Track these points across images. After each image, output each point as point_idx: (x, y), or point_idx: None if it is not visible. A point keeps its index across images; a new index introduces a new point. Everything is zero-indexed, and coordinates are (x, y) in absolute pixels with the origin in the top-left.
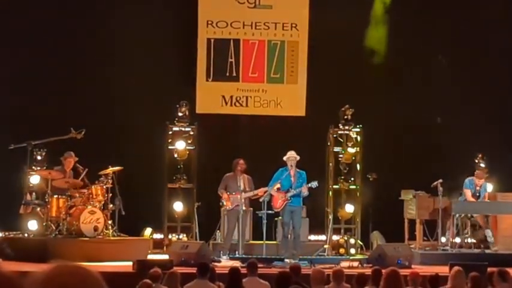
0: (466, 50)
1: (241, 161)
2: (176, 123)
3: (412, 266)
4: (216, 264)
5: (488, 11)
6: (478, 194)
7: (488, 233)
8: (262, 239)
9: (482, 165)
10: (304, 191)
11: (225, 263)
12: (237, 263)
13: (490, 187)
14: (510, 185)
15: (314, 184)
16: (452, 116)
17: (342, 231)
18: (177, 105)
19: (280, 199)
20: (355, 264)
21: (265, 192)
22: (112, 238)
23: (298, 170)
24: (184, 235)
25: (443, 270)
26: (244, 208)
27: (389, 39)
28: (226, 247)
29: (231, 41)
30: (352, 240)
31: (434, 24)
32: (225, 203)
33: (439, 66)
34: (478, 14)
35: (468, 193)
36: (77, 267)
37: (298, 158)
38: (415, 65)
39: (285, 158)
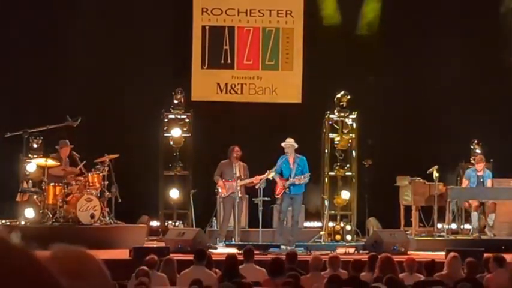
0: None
1: (237, 148)
2: (172, 111)
3: (408, 252)
4: (212, 251)
5: None
6: (482, 180)
7: (491, 217)
8: (258, 226)
9: (478, 151)
10: (298, 182)
11: (221, 250)
12: (233, 250)
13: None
14: (506, 171)
15: (306, 178)
16: (448, 101)
17: (338, 217)
18: (173, 93)
19: (280, 186)
20: (351, 250)
21: (260, 179)
22: (108, 225)
23: (298, 155)
24: (181, 222)
25: (439, 256)
26: (239, 195)
27: (385, 25)
28: (222, 234)
29: (226, 28)
30: (348, 227)
31: (432, 5)
32: (220, 190)
33: (435, 50)
34: None
35: (465, 183)
36: (78, 251)
37: (295, 145)
38: (410, 51)
39: (283, 145)
